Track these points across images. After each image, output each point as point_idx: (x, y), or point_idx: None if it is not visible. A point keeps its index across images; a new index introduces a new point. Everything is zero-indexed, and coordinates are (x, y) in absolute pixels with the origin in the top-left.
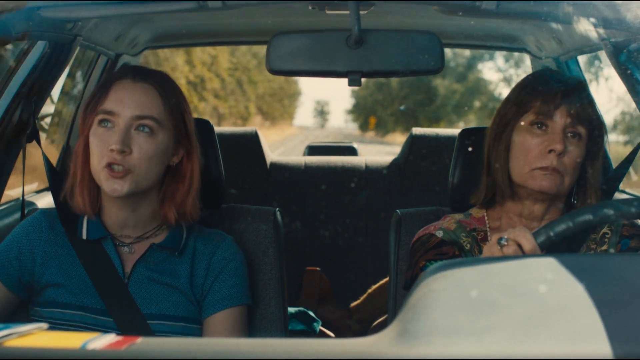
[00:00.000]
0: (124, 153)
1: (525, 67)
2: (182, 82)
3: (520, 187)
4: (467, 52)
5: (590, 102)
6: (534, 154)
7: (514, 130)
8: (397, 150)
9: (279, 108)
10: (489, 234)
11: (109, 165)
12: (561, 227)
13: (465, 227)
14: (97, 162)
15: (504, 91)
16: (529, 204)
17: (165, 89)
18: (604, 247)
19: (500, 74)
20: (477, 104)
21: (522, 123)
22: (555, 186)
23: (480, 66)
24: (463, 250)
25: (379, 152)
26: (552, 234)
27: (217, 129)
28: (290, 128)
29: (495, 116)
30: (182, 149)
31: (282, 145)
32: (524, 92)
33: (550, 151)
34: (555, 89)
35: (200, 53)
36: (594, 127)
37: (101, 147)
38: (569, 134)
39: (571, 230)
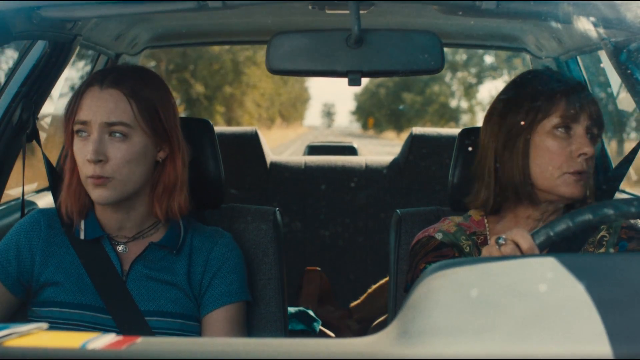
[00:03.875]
0: (100, 162)
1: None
2: (251, 105)
3: (543, 192)
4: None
5: (597, 102)
6: (563, 159)
7: (532, 133)
8: (388, 143)
9: (293, 112)
10: (489, 237)
11: (91, 176)
12: (561, 226)
13: (464, 230)
14: (82, 173)
15: (450, 101)
16: (544, 207)
17: (136, 91)
18: (602, 250)
19: (448, 89)
20: (430, 110)
21: (544, 126)
22: (584, 191)
23: (432, 83)
24: (463, 253)
25: (376, 144)
26: (551, 233)
27: (217, 129)
28: (301, 128)
29: (502, 122)
30: (165, 145)
31: (298, 140)
32: (543, 96)
33: (579, 155)
34: (577, 92)
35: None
36: (602, 126)
37: (81, 158)
38: (588, 136)
39: (571, 230)
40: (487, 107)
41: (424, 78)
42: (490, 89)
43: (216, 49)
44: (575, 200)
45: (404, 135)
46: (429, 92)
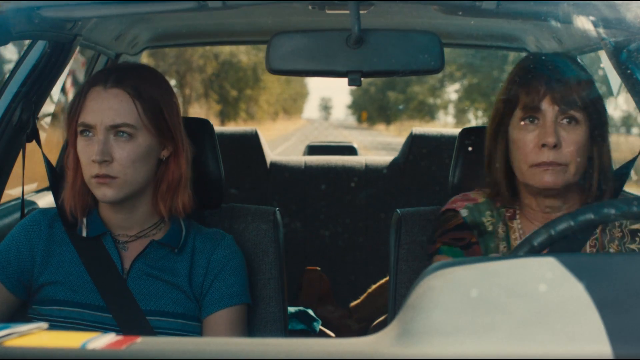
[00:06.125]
0: (105, 162)
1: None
2: (263, 103)
3: (527, 185)
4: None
5: (581, 83)
6: (529, 150)
7: (509, 127)
8: (379, 134)
9: (294, 106)
10: (517, 212)
11: (96, 176)
12: (562, 225)
13: (494, 202)
14: (86, 173)
15: (429, 98)
16: (542, 200)
17: (140, 91)
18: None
19: (425, 86)
20: (411, 106)
21: (515, 120)
22: (559, 180)
23: (412, 84)
24: (483, 235)
25: (369, 134)
26: (552, 232)
27: (217, 129)
28: (300, 120)
29: (491, 114)
30: (169, 143)
31: (298, 132)
32: (512, 86)
33: (543, 145)
34: (538, 79)
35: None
36: (591, 107)
37: (86, 159)
38: (564, 121)
39: (572, 229)
40: (451, 106)
41: (405, 79)
42: (450, 92)
43: (243, 61)
44: (552, 189)
45: (392, 127)
46: (410, 91)
